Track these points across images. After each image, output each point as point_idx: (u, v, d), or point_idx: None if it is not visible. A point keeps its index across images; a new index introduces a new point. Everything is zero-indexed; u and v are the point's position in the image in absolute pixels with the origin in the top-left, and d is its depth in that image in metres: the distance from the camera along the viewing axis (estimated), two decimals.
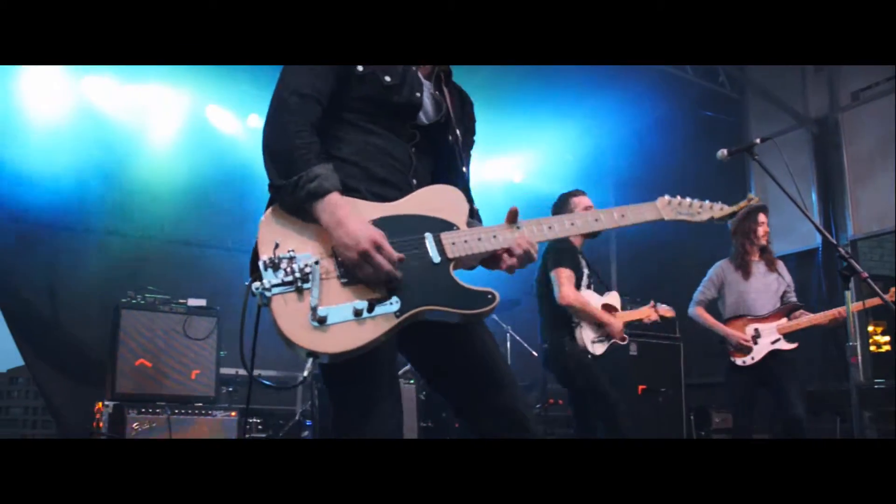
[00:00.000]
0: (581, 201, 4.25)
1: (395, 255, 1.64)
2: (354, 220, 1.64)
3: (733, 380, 4.61)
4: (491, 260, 1.83)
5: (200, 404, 4.69)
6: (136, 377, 4.61)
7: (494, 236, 1.79)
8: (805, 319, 4.53)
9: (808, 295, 6.77)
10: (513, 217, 1.83)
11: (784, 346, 4.53)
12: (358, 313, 1.59)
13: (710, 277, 4.84)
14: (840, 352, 7.27)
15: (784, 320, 4.57)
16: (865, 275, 3.06)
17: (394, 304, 1.63)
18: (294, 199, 1.66)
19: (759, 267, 4.69)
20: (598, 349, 4.16)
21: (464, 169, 2.00)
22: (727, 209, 2.01)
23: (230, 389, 5.62)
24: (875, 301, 4.11)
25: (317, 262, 1.61)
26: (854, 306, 4.13)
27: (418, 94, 1.89)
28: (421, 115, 1.91)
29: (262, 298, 1.56)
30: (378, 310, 1.61)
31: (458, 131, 1.99)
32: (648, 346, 6.39)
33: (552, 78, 6.90)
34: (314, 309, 1.56)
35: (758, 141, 3.35)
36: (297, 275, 1.59)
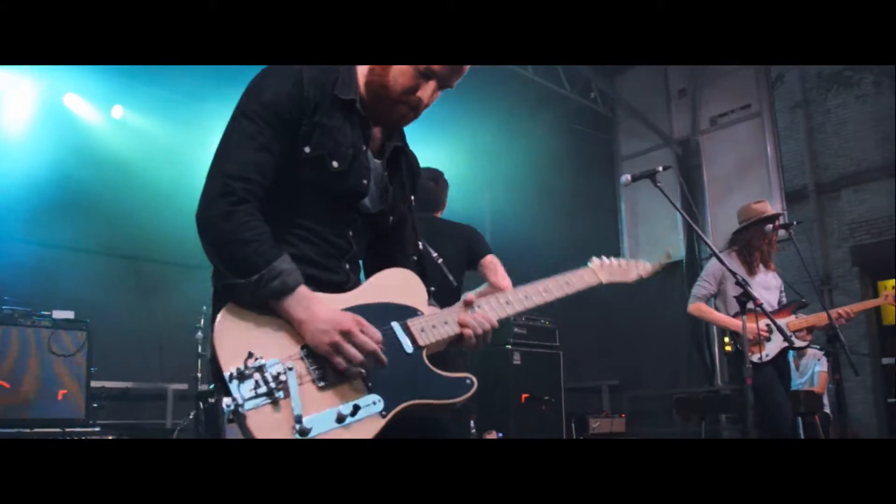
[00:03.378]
0: None
1: (378, 334, 1.57)
2: (327, 309, 1.57)
3: (757, 379, 3.84)
4: (456, 340, 1.76)
5: (69, 429, 4.25)
6: None
7: (458, 319, 1.74)
8: (814, 317, 4.25)
9: (673, 305, 7.25)
10: (469, 304, 1.78)
11: (797, 342, 4.24)
12: (341, 419, 1.48)
13: (709, 272, 4.51)
14: (702, 357, 7.94)
15: (792, 317, 4.33)
16: (760, 301, 3.33)
17: (377, 403, 1.53)
18: (255, 298, 1.55)
19: (759, 265, 4.46)
20: None
21: (419, 244, 1.95)
22: (650, 267, 2.22)
23: (95, 406, 5.15)
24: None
25: (290, 368, 1.49)
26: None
27: (365, 182, 1.77)
28: (366, 201, 1.81)
29: (236, 416, 1.42)
30: (362, 412, 1.51)
31: (405, 206, 1.93)
32: (531, 356, 6.58)
33: None
34: (298, 420, 1.43)
35: (660, 168, 3.50)
36: (272, 384, 1.46)
